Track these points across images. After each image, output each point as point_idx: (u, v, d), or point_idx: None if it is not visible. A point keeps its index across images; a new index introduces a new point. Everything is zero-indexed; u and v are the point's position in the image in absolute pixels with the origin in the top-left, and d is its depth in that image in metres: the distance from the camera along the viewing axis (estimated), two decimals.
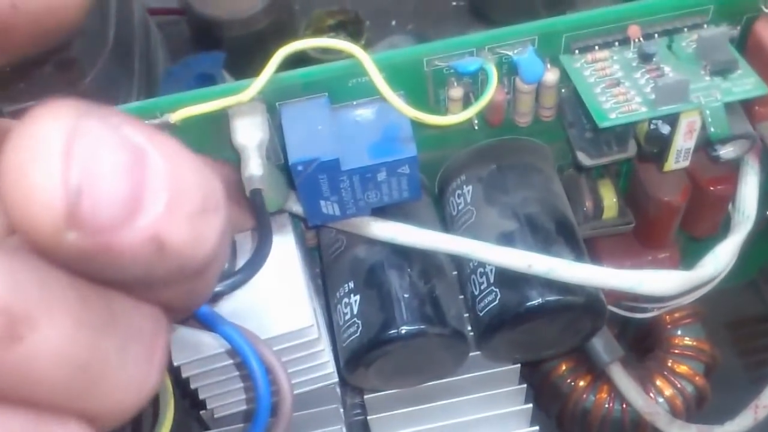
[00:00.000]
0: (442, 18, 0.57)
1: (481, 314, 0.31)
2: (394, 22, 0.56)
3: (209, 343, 0.28)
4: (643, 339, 0.43)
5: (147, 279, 0.14)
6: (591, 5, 0.31)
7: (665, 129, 0.30)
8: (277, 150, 0.31)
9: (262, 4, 0.51)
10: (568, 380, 0.41)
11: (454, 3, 0.57)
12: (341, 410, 0.35)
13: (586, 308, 0.31)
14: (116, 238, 0.12)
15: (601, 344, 0.38)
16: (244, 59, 0.47)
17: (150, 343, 0.15)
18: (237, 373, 0.30)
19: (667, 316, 0.41)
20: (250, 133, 0.28)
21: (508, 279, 0.30)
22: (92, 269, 0.13)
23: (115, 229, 0.12)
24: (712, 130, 0.28)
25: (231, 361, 0.29)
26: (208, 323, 0.26)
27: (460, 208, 0.33)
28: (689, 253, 0.38)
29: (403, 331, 0.30)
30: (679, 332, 0.41)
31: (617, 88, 0.29)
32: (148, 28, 0.50)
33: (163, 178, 0.13)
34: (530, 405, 0.35)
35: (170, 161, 0.13)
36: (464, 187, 0.33)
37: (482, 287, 0.31)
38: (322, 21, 0.54)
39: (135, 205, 0.12)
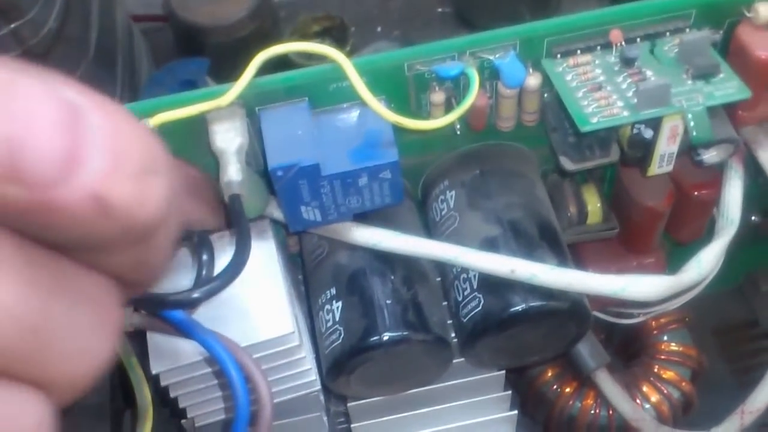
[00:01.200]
0: (427, 24, 0.57)
1: (464, 320, 0.31)
2: (379, 29, 0.56)
3: (188, 350, 0.28)
4: (629, 345, 0.43)
5: (92, 241, 0.14)
6: (577, 11, 0.31)
7: (648, 134, 0.29)
8: (257, 155, 0.31)
9: (247, 11, 0.50)
10: (554, 386, 0.40)
11: (440, 9, 0.57)
12: (325, 418, 0.35)
13: (570, 314, 0.30)
14: (55, 194, 0.12)
15: (587, 350, 0.37)
16: (228, 66, 0.47)
17: (102, 311, 0.15)
18: (217, 381, 0.29)
19: (653, 322, 0.41)
20: (229, 138, 0.28)
21: (492, 285, 0.30)
22: (36, 228, 0.13)
23: (53, 185, 0.12)
24: (695, 134, 0.28)
25: (211, 369, 0.29)
26: (186, 330, 0.25)
27: (443, 213, 0.33)
28: (675, 258, 0.38)
29: (386, 338, 0.30)
30: (665, 338, 0.41)
31: (599, 92, 0.28)
32: (131, 34, 0.50)
33: (102, 136, 0.13)
34: (515, 411, 0.35)
35: (110, 121, 0.13)
36: (447, 192, 0.33)
37: (465, 293, 0.31)
38: (307, 27, 0.54)
39: (73, 161, 0.12)
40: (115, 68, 0.46)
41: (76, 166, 0.12)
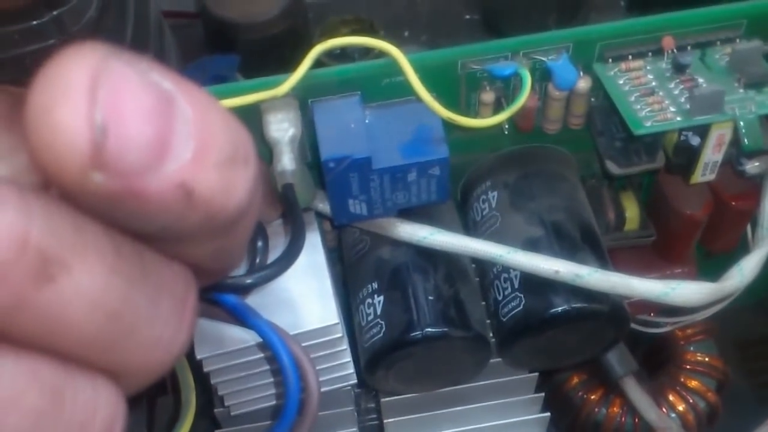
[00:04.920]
0: (454, 31, 0.57)
1: (504, 319, 0.31)
2: (407, 33, 0.56)
3: (233, 337, 0.28)
4: (654, 354, 0.43)
5: (177, 230, 0.13)
6: (603, 22, 0.32)
7: (695, 140, 0.30)
8: (305, 148, 0.31)
9: (278, 10, 0.51)
10: (580, 393, 0.40)
11: (468, 16, 0.57)
12: (355, 414, 0.35)
13: (610, 317, 0.31)
14: (144, 183, 0.12)
15: (615, 357, 0.37)
16: (257, 63, 0.47)
17: (180, 302, 0.15)
18: (259, 369, 0.29)
19: (680, 332, 0.41)
20: (282, 128, 0.28)
21: (534, 285, 0.30)
22: (122, 217, 0.13)
23: (142, 174, 0.12)
24: (746, 141, 0.28)
25: (255, 357, 0.29)
26: (239, 315, 0.25)
27: (484, 213, 0.33)
28: (702, 270, 0.38)
29: (427, 333, 0.30)
30: (691, 348, 0.41)
31: (651, 97, 0.29)
32: (162, 29, 0.50)
33: (191, 125, 0.12)
34: (548, 414, 0.35)
35: (199, 110, 0.13)
36: (489, 192, 0.33)
37: (506, 293, 0.31)
38: (336, 29, 0.54)
39: (162, 149, 0.12)
40: None
41: (165, 156, 0.12)
